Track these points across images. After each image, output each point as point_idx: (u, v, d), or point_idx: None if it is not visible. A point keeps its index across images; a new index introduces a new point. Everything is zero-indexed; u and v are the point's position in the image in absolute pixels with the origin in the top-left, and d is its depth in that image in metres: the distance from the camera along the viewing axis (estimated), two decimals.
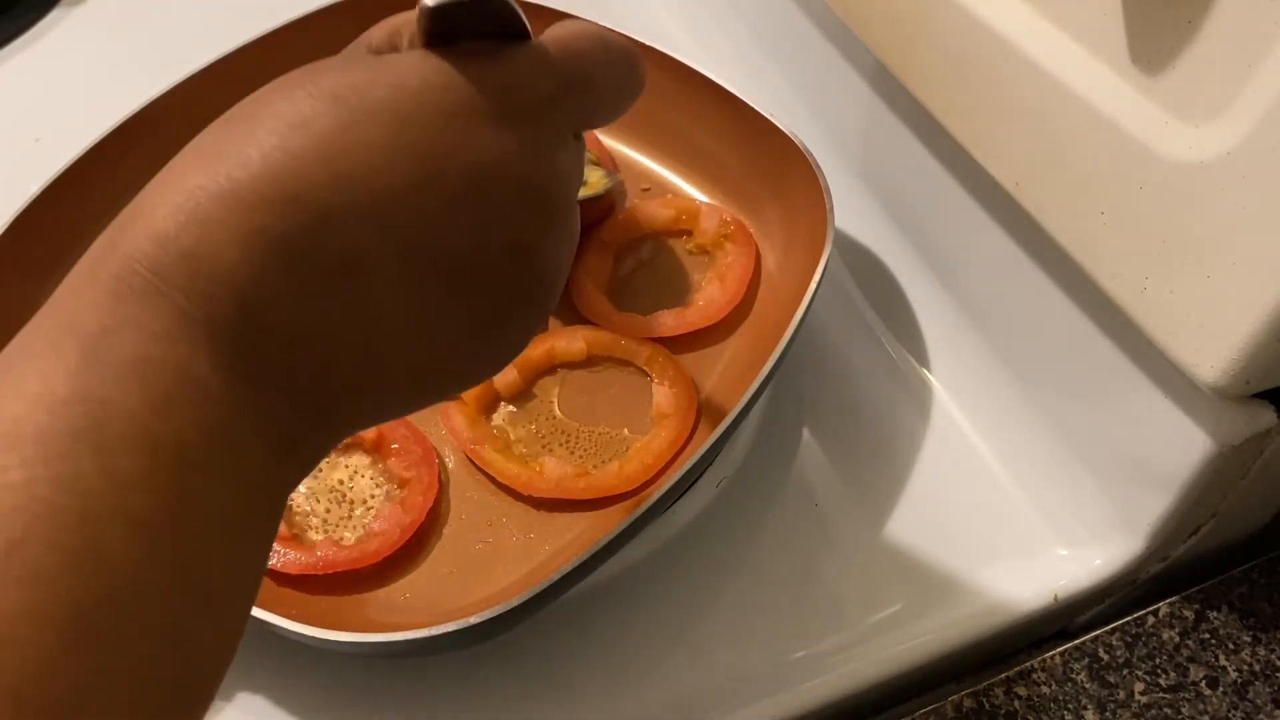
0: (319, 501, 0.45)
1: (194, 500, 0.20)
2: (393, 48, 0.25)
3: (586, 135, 0.58)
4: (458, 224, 0.23)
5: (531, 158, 0.24)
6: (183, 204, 0.21)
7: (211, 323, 0.21)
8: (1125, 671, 0.41)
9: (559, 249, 0.26)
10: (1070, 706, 0.41)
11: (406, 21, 0.25)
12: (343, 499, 0.45)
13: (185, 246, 0.21)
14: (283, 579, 0.42)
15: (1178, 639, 0.42)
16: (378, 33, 0.25)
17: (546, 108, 0.25)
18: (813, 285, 0.46)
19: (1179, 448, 0.38)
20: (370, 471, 0.46)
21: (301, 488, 0.46)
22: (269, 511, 0.23)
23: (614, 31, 0.27)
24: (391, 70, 0.23)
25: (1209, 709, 0.40)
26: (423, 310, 0.23)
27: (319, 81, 0.23)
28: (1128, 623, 0.43)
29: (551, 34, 0.26)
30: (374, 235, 0.22)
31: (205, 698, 0.21)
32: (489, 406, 0.49)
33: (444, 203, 0.23)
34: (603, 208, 0.54)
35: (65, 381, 0.19)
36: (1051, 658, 0.42)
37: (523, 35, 0.25)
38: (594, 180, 0.53)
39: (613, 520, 0.40)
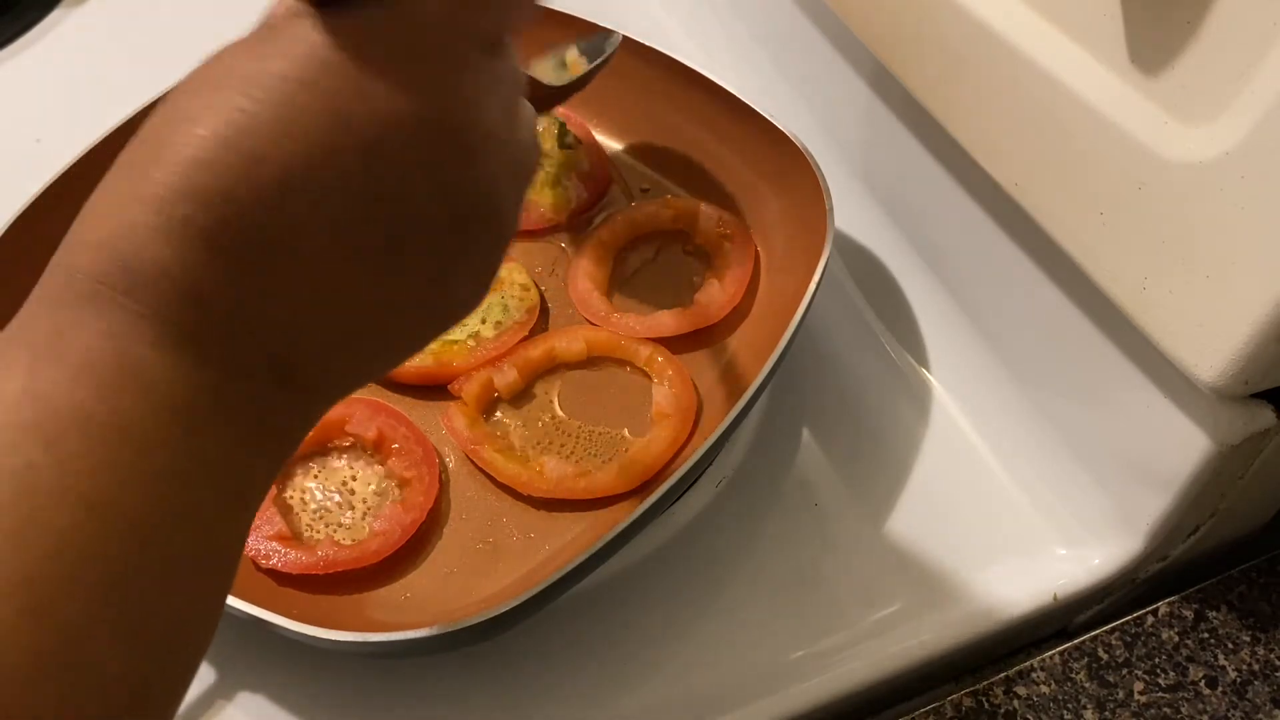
0: (319, 502, 0.45)
1: (149, 481, 0.20)
2: (287, 10, 0.25)
3: (578, 127, 0.58)
4: (376, 180, 0.23)
5: (430, 95, 0.24)
6: (112, 211, 0.22)
7: (156, 316, 0.21)
8: (1125, 671, 0.41)
9: (495, 178, 0.25)
10: (1070, 706, 0.41)
11: None
12: (343, 499, 0.45)
13: (120, 250, 0.21)
14: (283, 579, 0.42)
15: (1177, 639, 0.42)
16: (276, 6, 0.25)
17: (434, 39, 0.24)
18: (813, 285, 0.46)
19: (1178, 447, 0.39)
20: (371, 471, 0.46)
21: (302, 488, 0.46)
22: (239, 492, 0.23)
23: None
24: (278, 43, 0.23)
25: (1208, 708, 0.40)
26: (365, 270, 0.23)
27: (216, 73, 0.23)
28: (1127, 622, 0.43)
29: None
30: (297, 208, 0.22)
31: (170, 694, 0.21)
32: (489, 406, 0.49)
33: (357, 162, 0.23)
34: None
35: (15, 382, 0.20)
36: (1051, 657, 0.42)
37: None
38: (571, 61, 0.52)
39: (613, 520, 0.40)
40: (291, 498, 0.45)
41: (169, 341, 0.21)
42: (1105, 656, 0.42)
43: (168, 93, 0.24)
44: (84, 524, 0.19)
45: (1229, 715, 0.40)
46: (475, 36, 0.25)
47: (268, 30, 0.24)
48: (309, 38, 0.23)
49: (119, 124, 0.52)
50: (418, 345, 0.27)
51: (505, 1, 0.26)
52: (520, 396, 0.49)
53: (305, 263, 0.23)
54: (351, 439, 0.47)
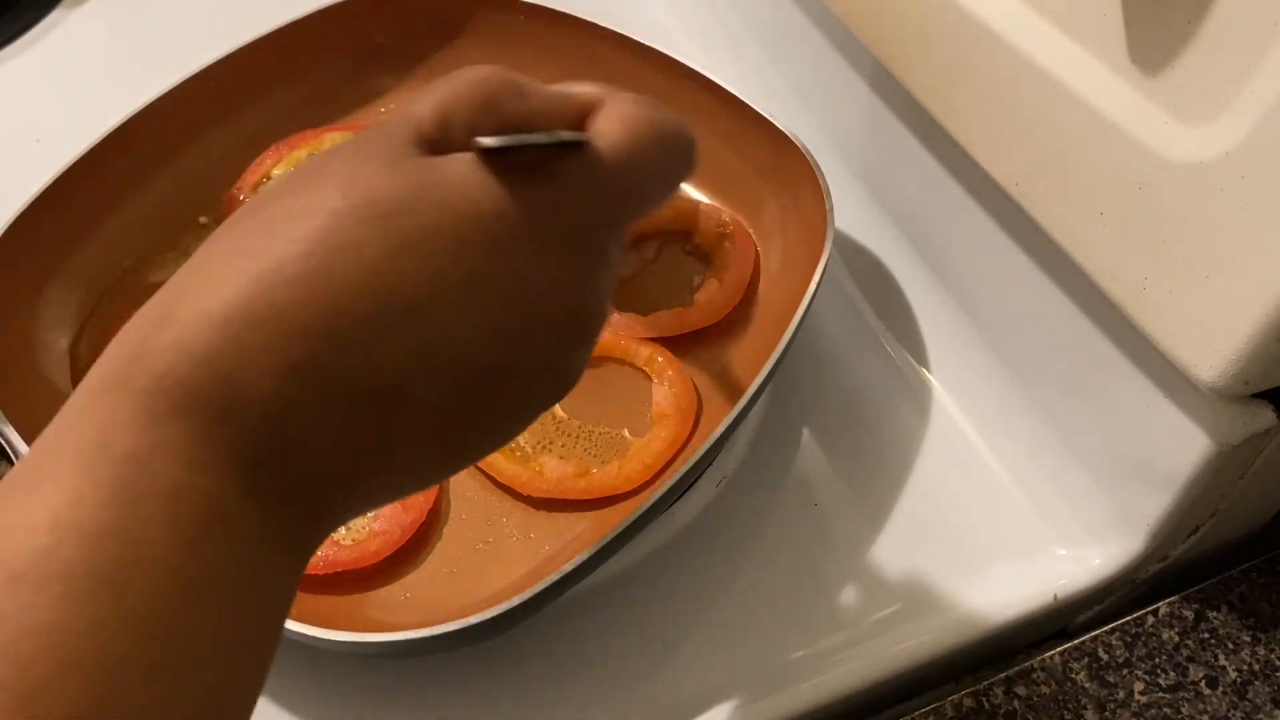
0: None
1: (210, 634, 0.19)
2: (443, 136, 0.23)
3: None
4: (494, 348, 0.23)
5: (576, 286, 0.24)
6: (219, 322, 0.20)
7: (245, 451, 0.20)
8: (1125, 671, 0.41)
9: (584, 358, 0.26)
10: (1070, 706, 0.41)
11: (458, 105, 0.24)
12: None
13: (223, 372, 0.20)
14: None
15: (1177, 639, 0.42)
16: (428, 115, 0.24)
17: (599, 231, 0.25)
18: (813, 285, 0.46)
19: (1178, 448, 0.39)
20: None
21: None
22: (276, 614, 0.22)
23: (664, 110, 0.26)
24: (439, 186, 0.22)
25: (1208, 709, 0.40)
26: (441, 421, 0.23)
27: (359, 185, 0.22)
28: (1127, 622, 0.43)
29: (607, 127, 0.25)
30: (411, 365, 0.22)
31: None
32: None
33: (485, 331, 0.22)
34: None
35: (96, 513, 0.18)
36: (1051, 657, 0.42)
37: (576, 128, 0.25)
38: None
39: (613, 520, 0.40)
40: None
41: (249, 483, 0.20)
42: (1105, 657, 0.42)
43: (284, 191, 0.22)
44: (146, 689, 0.18)
45: (1229, 715, 0.40)
46: (619, 229, 0.26)
47: (421, 161, 0.23)
48: (473, 194, 0.22)
49: (119, 124, 0.52)
50: (439, 478, 0.26)
51: (661, 193, 0.26)
52: None
53: (398, 414, 0.22)
54: None
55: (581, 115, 0.25)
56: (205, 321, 0.20)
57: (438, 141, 0.23)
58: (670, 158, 0.26)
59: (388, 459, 0.23)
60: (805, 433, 0.50)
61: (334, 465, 0.22)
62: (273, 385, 0.20)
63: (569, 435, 0.48)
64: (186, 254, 0.54)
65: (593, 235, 0.24)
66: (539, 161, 0.23)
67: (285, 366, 0.20)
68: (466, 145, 0.23)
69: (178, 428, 0.20)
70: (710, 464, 0.47)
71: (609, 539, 0.39)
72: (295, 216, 0.21)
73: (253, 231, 0.21)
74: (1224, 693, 0.41)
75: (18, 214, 0.48)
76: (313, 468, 0.21)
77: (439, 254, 0.21)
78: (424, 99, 0.24)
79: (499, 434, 0.25)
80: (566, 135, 0.24)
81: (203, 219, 0.55)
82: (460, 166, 0.23)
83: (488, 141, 0.22)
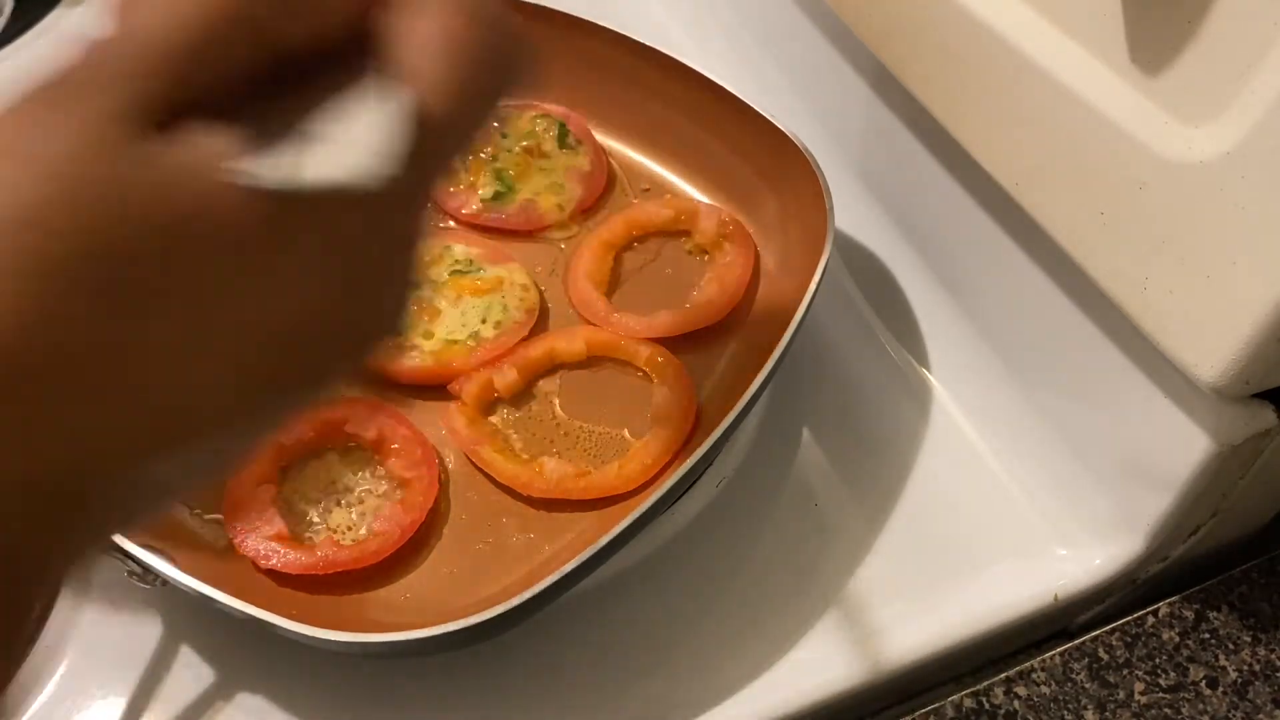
0: (319, 502, 0.45)
1: None
2: (181, 93, 0.19)
3: (578, 127, 0.58)
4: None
5: (346, 307, 0.21)
6: None
7: None
8: (1125, 671, 0.41)
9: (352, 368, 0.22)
10: (1070, 706, 0.41)
11: (199, 42, 0.19)
12: (343, 499, 0.45)
13: None
14: (283, 579, 0.42)
15: (1178, 639, 0.42)
16: (160, 69, 0.19)
17: (399, 247, 0.21)
18: (813, 285, 0.46)
19: (1179, 448, 0.38)
20: (370, 472, 0.46)
21: (302, 488, 0.46)
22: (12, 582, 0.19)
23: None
24: (169, 203, 0.18)
25: (1209, 709, 0.40)
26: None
27: (54, 178, 0.17)
28: (1128, 623, 0.43)
29: (421, 65, 0.20)
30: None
31: None
32: (489, 407, 0.49)
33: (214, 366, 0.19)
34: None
35: None
36: (1051, 658, 0.42)
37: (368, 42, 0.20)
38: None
39: (613, 520, 0.40)
40: (291, 498, 0.45)
41: None
42: (1106, 657, 0.42)
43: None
44: None
45: (1230, 716, 0.40)
46: (422, 217, 0.22)
47: (159, 161, 0.18)
48: (223, 227, 0.18)
49: None
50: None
51: (471, 144, 0.22)
52: (520, 397, 0.49)
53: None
54: (351, 439, 0.47)
55: (365, 5, 0.21)
56: None
57: (179, 107, 0.18)
58: (501, 83, 0.22)
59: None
60: (805, 433, 0.50)
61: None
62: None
63: (569, 435, 0.48)
64: None
65: (387, 254, 0.21)
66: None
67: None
68: (217, 94, 0.18)
69: None
70: (710, 464, 0.47)
71: (609, 539, 0.39)
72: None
73: None
74: (1224, 693, 0.41)
75: None
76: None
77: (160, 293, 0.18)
78: (151, 27, 0.19)
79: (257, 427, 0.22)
80: (358, 158, 0.18)
81: None
82: (209, 183, 0.18)
83: (262, 180, 0.18)
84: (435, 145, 0.20)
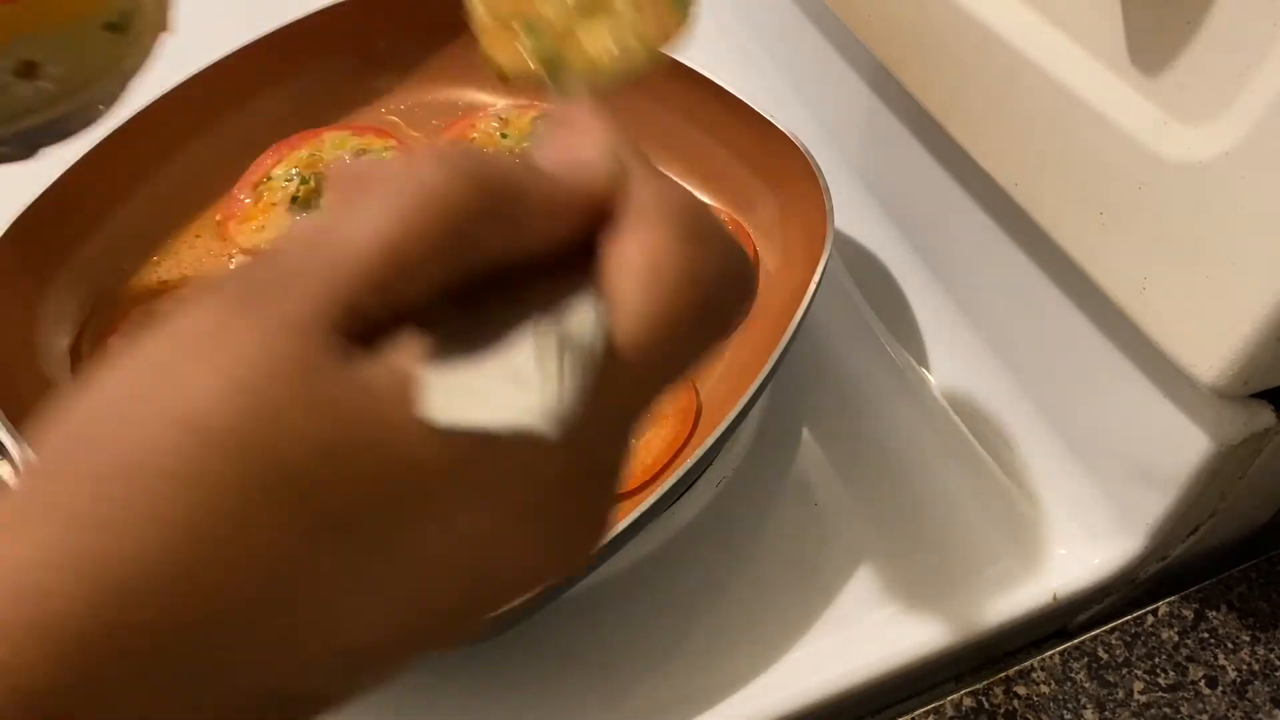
0: None
1: None
2: (383, 307, 0.17)
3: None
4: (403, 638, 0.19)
5: (549, 553, 0.20)
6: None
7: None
8: (1124, 671, 0.41)
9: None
10: (1070, 706, 0.41)
11: (411, 252, 0.17)
12: None
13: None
14: None
15: (1177, 638, 0.42)
16: (365, 280, 0.17)
17: (600, 481, 0.20)
18: (812, 285, 0.46)
19: (1178, 447, 0.39)
20: None
21: None
22: None
23: (707, 219, 0.19)
24: (371, 435, 0.17)
25: (1208, 708, 0.40)
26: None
27: (252, 414, 0.16)
28: (1127, 622, 0.43)
29: (627, 288, 0.18)
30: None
31: None
32: None
33: (402, 616, 0.19)
34: None
35: None
36: (1051, 657, 0.42)
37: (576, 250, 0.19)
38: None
39: (612, 520, 0.40)
40: None
41: None
42: (1105, 656, 0.42)
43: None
44: None
45: (1229, 715, 0.40)
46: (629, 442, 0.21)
47: (342, 380, 0.17)
48: (417, 460, 0.17)
49: (119, 125, 0.52)
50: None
51: (681, 381, 0.20)
52: None
53: None
54: None
55: (586, 222, 0.19)
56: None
57: (373, 320, 0.17)
58: (718, 319, 0.20)
59: None
60: (805, 433, 0.50)
61: None
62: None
63: None
64: (184, 255, 0.54)
65: (570, 494, 0.19)
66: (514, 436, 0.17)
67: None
68: (414, 307, 0.17)
69: None
70: (710, 464, 0.47)
71: (608, 539, 0.39)
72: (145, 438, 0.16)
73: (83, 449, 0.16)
74: (1223, 692, 0.41)
75: (19, 214, 0.48)
76: None
77: (364, 537, 0.17)
78: (353, 232, 0.17)
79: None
80: (544, 399, 0.17)
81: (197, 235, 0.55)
82: (409, 430, 0.17)
83: (442, 420, 0.17)
84: (630, 382, 0.19)
